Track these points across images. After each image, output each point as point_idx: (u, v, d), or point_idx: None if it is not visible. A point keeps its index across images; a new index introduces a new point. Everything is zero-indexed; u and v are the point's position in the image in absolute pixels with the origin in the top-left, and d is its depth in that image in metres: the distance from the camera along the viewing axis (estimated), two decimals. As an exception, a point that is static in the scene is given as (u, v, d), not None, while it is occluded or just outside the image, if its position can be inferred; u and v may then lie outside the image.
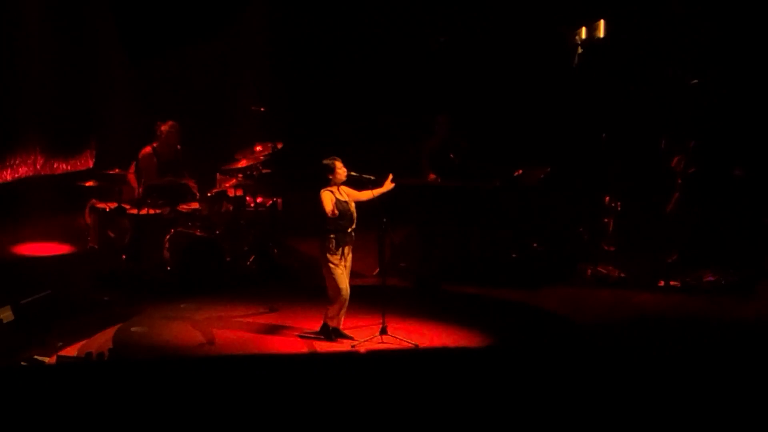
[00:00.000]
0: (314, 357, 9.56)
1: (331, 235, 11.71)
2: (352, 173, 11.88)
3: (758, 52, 16.18)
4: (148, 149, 15.34)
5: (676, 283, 14.76)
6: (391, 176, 12.09)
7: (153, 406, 5.86)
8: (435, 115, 16.06)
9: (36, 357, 11.23)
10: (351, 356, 8.89)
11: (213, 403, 5.92)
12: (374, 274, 14.58)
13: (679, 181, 15.26)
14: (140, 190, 14.91)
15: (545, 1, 17.14)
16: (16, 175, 16.93)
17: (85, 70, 17.39)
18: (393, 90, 17.77)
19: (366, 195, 11.97)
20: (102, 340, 12.04)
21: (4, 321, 11.96)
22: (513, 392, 6.26)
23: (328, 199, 11.69)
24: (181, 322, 12.69)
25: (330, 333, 11.91)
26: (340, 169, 11.81)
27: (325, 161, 11.87)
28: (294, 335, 12.19)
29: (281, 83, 18.26)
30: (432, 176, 15.71)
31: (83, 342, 12.06)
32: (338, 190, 11.83)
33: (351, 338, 11.94)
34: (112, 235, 15.21)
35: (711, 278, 14.68)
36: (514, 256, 15.44)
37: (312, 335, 12.07)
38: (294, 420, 5.92)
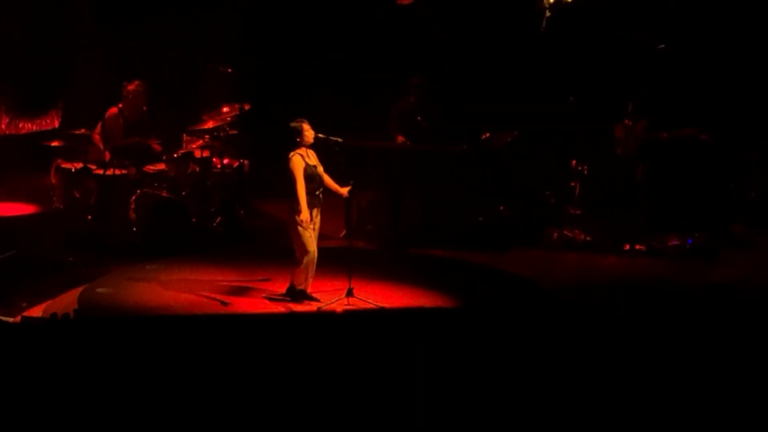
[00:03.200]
0: (278, 317, 9.57)
1: (300, 198, 11.71)
2: (320, 135, 11.86)
3: (725, 16, 16.20)
4: (114, 110, 15.25)
5: (641, 246, 14.82)
6: (350, 187, 12.03)
7: (119, 364, 5.86)
8: (406, 78, 16.00)
9: (0, 317, 11.20)
10: (320, 316, 8.92)
11: (182, 361, 5.92)
12: (341, 236, 14.58)
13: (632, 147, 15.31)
14: (106, 150, 14.83)
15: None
16: (-19, 135, 16.83)
17: (52, 29, 17.24)
18: (362, 51, 17.70)
19: (327, 179, 11.94)
20: (67, 301, 12.00)
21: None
22: (479, 353, 6.28)
23: (298, 164, 11.67)
24: (147, 283, 12.67)
25: (296, 295, 11.92)
26: (307, 131, 11.78)
27: (293, 124, 11.84)
28: (261, 297, 12.19)
29: (249, 44, 18.15)
30: (400, 139, 15.68)
31: (48, 303, 12.02)
32: (306, 153, 11.80)
33: (317, 300, 11.95)
34: (77, 195, 15.12)
35: (676, 242, 14.76)
36: (481, 219, 15.47)
37: (279, 297, 12.07)
38: (261, 378, 5.94)
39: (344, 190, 11.97)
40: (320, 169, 11.86)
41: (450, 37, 17.29)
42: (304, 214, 11.59)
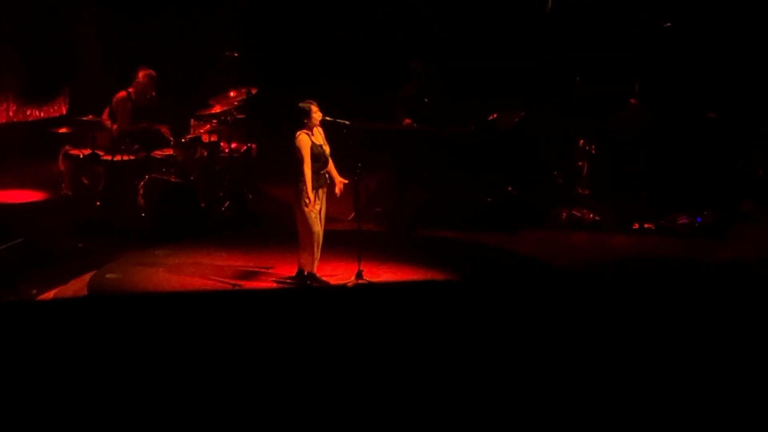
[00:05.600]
0: (286, 293, 9.57)
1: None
2: (327, 118, 11.86)
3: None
4: (122, 93, 15.23)
5: (650, 225, 14.80)
6: (344, 182, 12.04)
7: (132, 343, 5.88)
8: (410, 60, 15.99)
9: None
10: (330, 291, 8.94)
11: (194, 340, 5.93)
12: (349, 219, 14.58)
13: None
14: (114, 135, 14.84)
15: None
16: (-11, 123, 16.85)
17: (58, 16, 17.24)
18: (368, 34, 17.67)
19: (329, 163, 11.96)
20: (77, 287, 12.04)
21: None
22: (487, 334, 6.28)
23: (305, 142, 11.67)
24: (156, 268, 12.70)
25: (305, 278, 11.91)
26: (315, 113, 11.78)
27: (301, 104, 11.84)
28: (270, 280, 12.21)
29: (256, 28, 18.13)
30: (407, 121, 15.67)
31: (58, 289, 12.05)
32: (313, 132, 11.80)
33: (327, 283, 11.95)
34: (86, 181, 15.13)
35: (685, 221, 14.74)
36: (489, 200, 15.46)
37: (288, 280, 12.08)
38: (272, 354, 5.94)
39: (339, 182, 11.95)
40: (327, 149, 11.87)
41: (455, 22, 17.27)
42: (309, 193, 11.59)
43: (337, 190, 12.01)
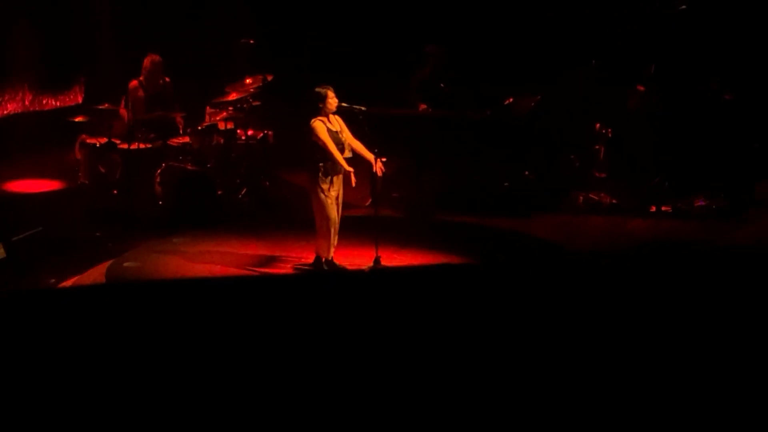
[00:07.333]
0: (311, 276, 9.58)
1: (321, 165, 11.68)
2: (343, 104, 11.84)
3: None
4: (134, 82, 15.24)
5: (667, 208, 14.79)
6: (385, 160, 12.00)
7: (154, 329, 5.89)
8: (426, 45, 15.97)
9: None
10: (349, 275, 8.96)
11: (213, 325, 5.94)
12: (366, 204, 14.58)
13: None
14: (130, 124, 14.85)
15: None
16: (5, 112, 16.83)
17: (73, 5, 17.25)
18: (383, 20, 17.64)
19: (357, 145, 11.92)
20: (95, 276, 12.08)
21: (-4, 258, 12.01)
22: (505, 318, 6.28)
23: (321, 128, 11.65)
24: (174, 256, 12.72)
25: (323, 265, 11.92)
26: (331, 98, 11.76)
27: (318, 89, 11.82)
28: (288, 268, 12.22)
29: (271, 14, 18.11)
30: (423, 106, 15.66)
31: (76, 278, 12.09)
32: (329, 119, 11.79)
33: (344, 269, 11.95)
34: (102, 170, 15.13)
35: (702, 203, 14.71)
36: (506, 184, 15.46)
37: (306, 268, 12.09)
38: (288, 339, 5.95)
39: (378, 163, 11.88)
40: (345, 135, 11.84)
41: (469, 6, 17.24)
42: (345, 166, 11.61)
43: (378, 171, 11.95)
